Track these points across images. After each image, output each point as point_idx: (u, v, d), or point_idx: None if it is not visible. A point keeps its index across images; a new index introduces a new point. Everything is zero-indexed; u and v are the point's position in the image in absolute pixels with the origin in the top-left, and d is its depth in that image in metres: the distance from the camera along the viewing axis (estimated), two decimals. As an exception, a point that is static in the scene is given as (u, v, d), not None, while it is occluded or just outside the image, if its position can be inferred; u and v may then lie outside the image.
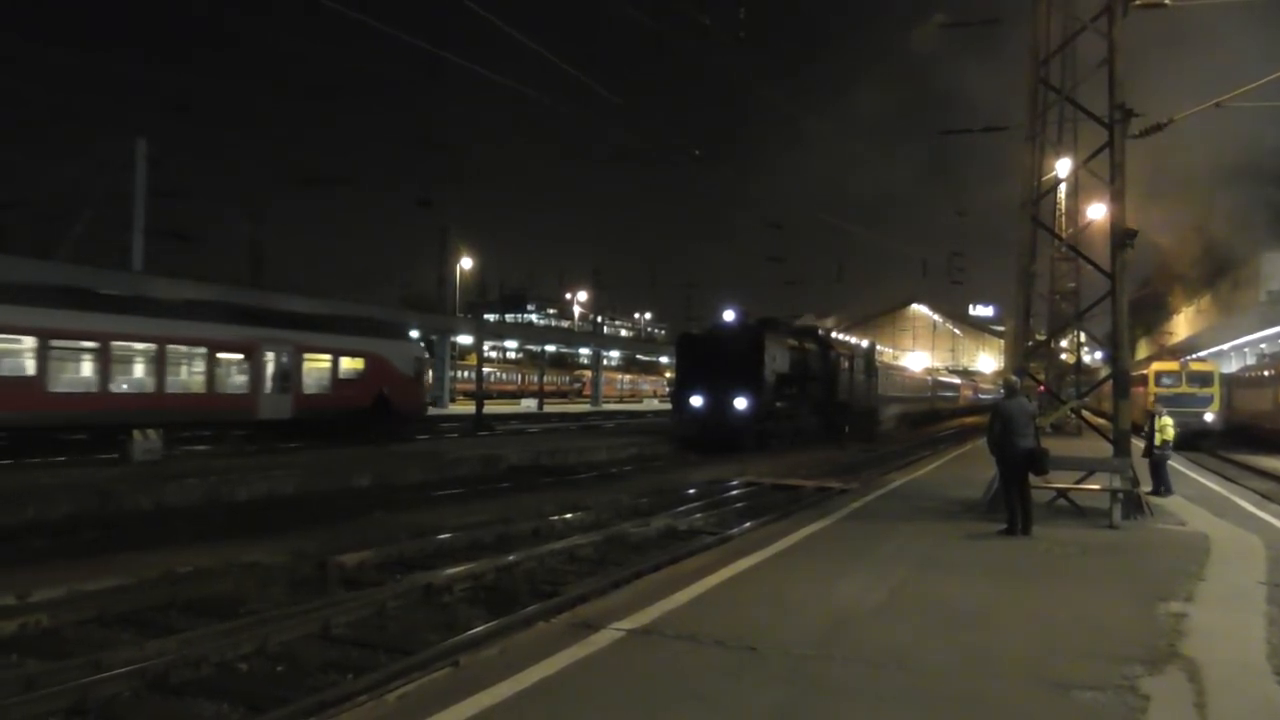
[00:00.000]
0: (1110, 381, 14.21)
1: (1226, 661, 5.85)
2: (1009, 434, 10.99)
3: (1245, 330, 44.67)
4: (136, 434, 19.05)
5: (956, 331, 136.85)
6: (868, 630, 6.48)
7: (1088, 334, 33.63)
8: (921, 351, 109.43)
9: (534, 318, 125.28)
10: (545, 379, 66.96)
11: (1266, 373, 34.70)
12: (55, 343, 20.18)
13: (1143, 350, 62.15)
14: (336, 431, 24.39)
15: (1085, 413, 19.76)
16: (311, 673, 6.74)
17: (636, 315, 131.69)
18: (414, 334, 38.46)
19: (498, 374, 70.08)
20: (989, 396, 72.71)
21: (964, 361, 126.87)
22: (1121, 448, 12.85)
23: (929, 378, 63.84)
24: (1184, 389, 33.34)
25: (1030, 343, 19.74)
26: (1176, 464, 18.23)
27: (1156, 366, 35.95)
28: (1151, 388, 32.38)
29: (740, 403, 26.45)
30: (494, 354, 79.46)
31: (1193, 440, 30.18)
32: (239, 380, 24.14)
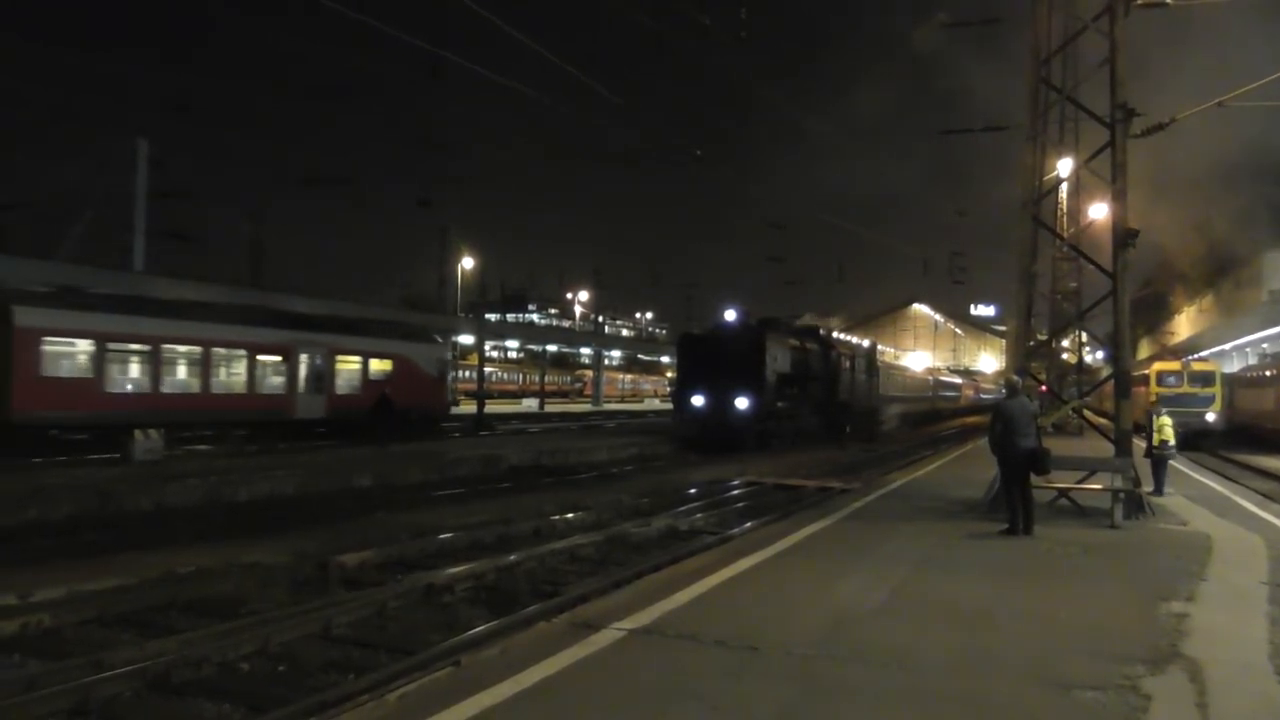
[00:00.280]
0: (1111, 381, 14.20)
1: (1228, 661, 5.84)
2: (1010, 434, 10.98)
3: (1247, 330, 44.61)
4: (138, 433, 19.08)
5: (958, 331, 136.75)
6: (869, 630, 6.47)
7: (1089, 334, 33.62)
8: (923, 351, 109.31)
9: (535, 317, 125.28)
10: (546, 379, 67.00)
11: (1268, 372, 34.67)
12: (111, 345, 21.46)
13: (1144, 350, 62.09)
14: (367, 430, 25.07)
15: (1087, 412, 19.74)
16: (313, 673, 6.74)
17: (637, 315, 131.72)
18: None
19: (499, 374, 70.07)
20: (990, 396, 72.71)
21: (965, 361, 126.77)
22: (1123, 448, 12.83)
23: (930, 377, 63.81)
24: (1185, 389, 33.30)
25: (1032, 342, 19.74)
26: (1178, 464, 18.21)
27: (1158, 366, 35.92)
28: (1153, 387, 32.34)
29: (741, 403, 26.44)
30: (495, 354, 79.48)
31: (1194, 440, 30.16)
32: (276, 381, 25.24)
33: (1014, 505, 10.84)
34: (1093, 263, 15.29)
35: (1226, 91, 12.85)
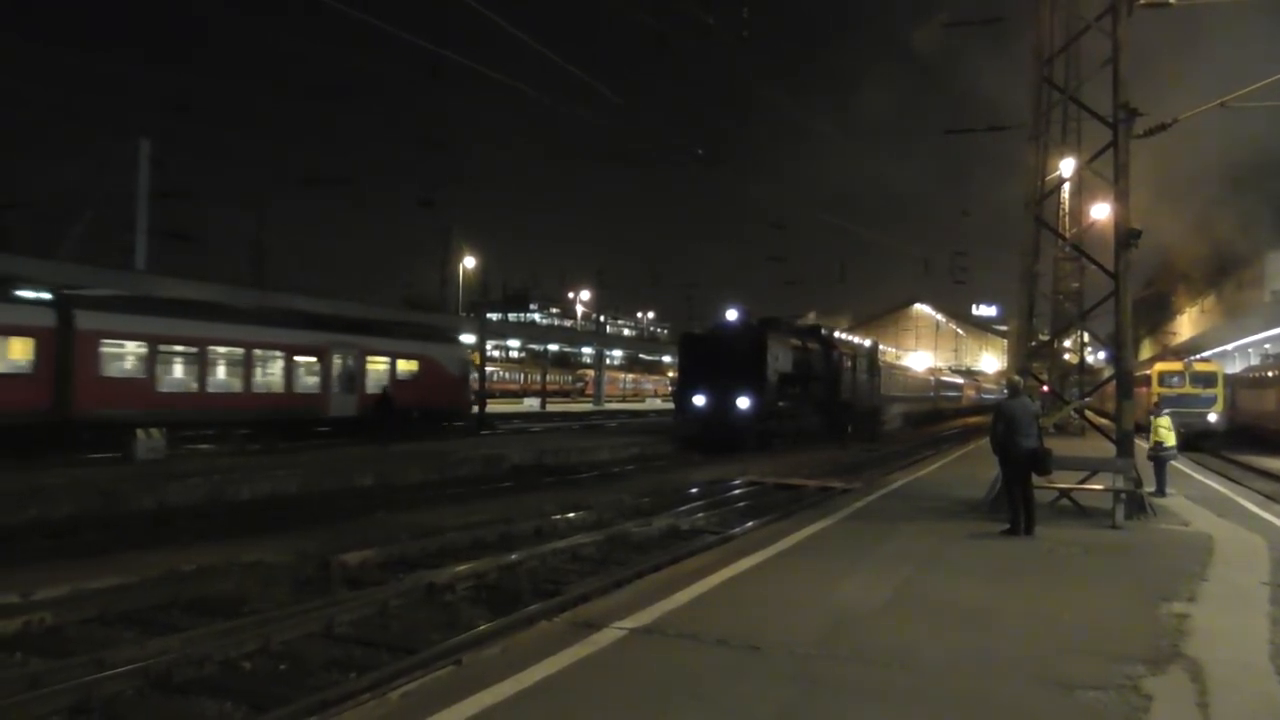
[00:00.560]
0: (1113, 382, 14.19)
1: (1229, 662, 5.84)
2: (1012, 434, 10.97)
3: (1249, 331, 44.62)
4: (140, 433, 19.12)
5: (959, 331, 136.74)
6: (870, 630, 6.47)
7: (1091, 334, 33.57)
8: (924, 351, 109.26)
9: (536, 317, 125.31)
10: (548, 378, 67.01)
11: (1270, 373, 34.64)
12: (162, 347, 22.77)
13: (1146, 350, 62.06)
14: (395, 428, 25.68)
15: (1088, 413, 19.73)
16: (314, 671, 6.75)
17: (639, 315, 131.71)
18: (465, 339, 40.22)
19: (501, 373, 70.09)
20: (992, 396, 72.68)
21: (967, 361, 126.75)
22: (1124, 448, 12.83)
23: (932, 377, 63.78)
24: (1187, 389, 33.27)
25: (1033, 343, 19.74)
26: (1179, 465, 18.19)
27: (1160, 367, 35.88)
28: (1155, 388, 32.32)
29: (743, 402, 26.43)
30: (497, 353, 79.46)
31: (1196, 441, 30.14)
32: (311, 381, 26.48)
33: (1015, 505, 10.83)
34: (1095, 263, 15.29)
35: (1238, 92, 12.84)
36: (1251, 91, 12.66)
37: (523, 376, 72.93)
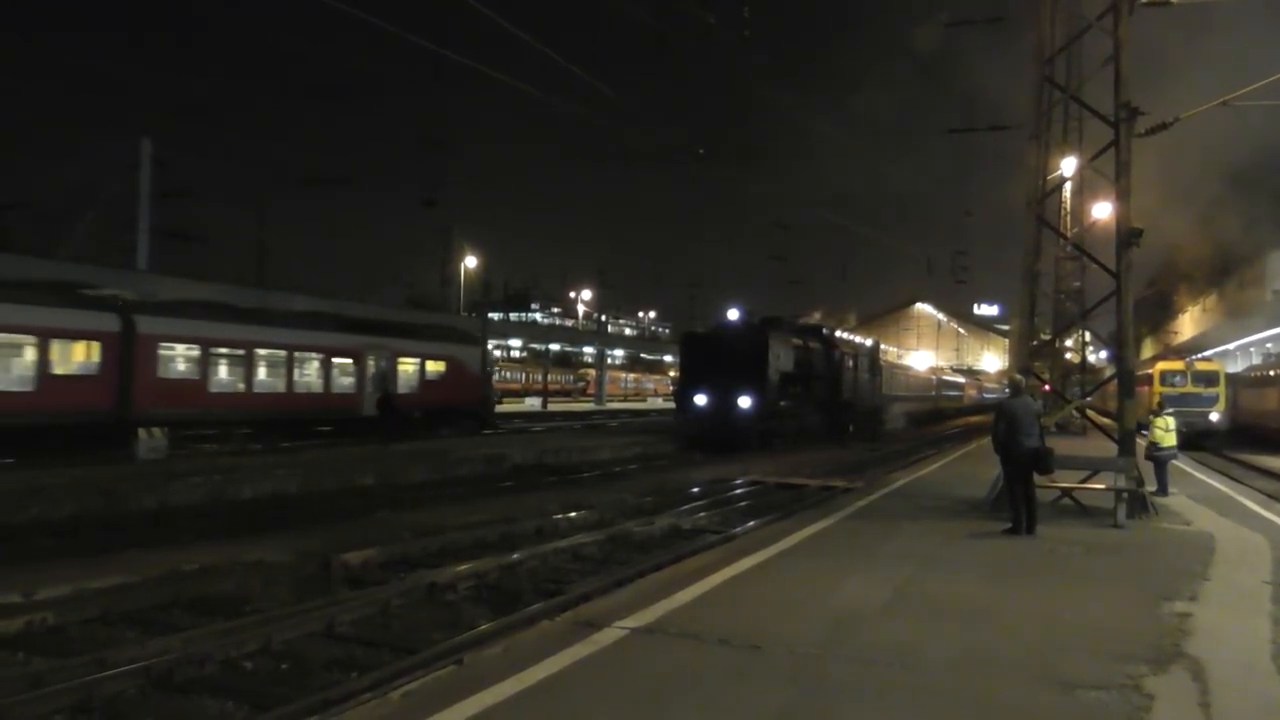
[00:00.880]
0: (1115, 381, 14.17)
1: (1231, 661, 5.83)
2: (1014, 433, 10.96)
3: (1251, 330, 44.57)
4: (142, 432, 19.13)
5: (961, 330, 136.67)
6: (872, 629, 6.47)
7: (1093, 333, 33.59)
8: (926, 350, 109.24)
9: (538, 317, 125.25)
10: (549, 378, 66.99)
11: (1272, 372, 34.61)
12: (214, 350, 24.13)
13: (1148, 349, 62.00)
14: (424, 426, 26.90)
15: (1090, 412, 19.70)
16: (316, 671, 6.75)
17: (640, 314, 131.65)
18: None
19: (502, 373, 70.06)
20: (993, 395, 72.62)
21: (968, 360, 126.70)
22: (1126, 447, 12.82)
23: (933, 377, 63.76)
24: (1189, 388, 33.26)
25: (1035, 342, 19.72)
26: (1181, 464, 18.16)
27: (1162, 366, 35.86)
28: (1156, 387, 32.29)
29: (744, 401, 26.42)
30: (498, 353, 79.49)
31: (1198, 440, 30.11)
32: (347, 382, 27.80)
33: (1017, 504, 10.83)
34: (1096, 262, 15.28)
35: (1239, 91, 12.82)
36: (1253, 90, 12.64)
37: (524, 376, 72.91)
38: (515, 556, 10.39)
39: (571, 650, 5.75)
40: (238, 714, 5.98)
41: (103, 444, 20.01)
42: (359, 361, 28.21)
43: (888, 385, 43.56)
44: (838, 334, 39.41)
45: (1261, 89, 12.56)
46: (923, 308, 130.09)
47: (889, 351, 65.48)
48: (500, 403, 37.89)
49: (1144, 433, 16.21)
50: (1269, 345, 45.78)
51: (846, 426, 33.77)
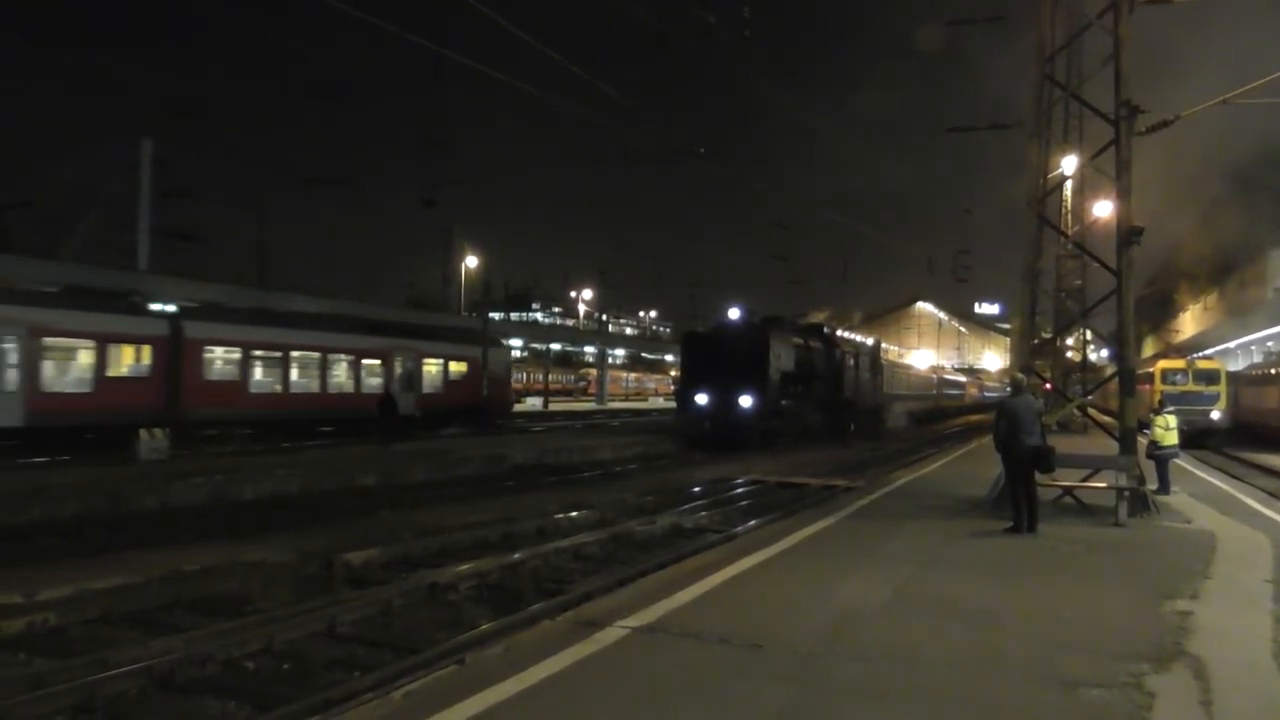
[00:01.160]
0: (1116, 379, 14.17)
1: (1233, 660, 5.83)
2: (1015, 431, 10.95)
3: (1252, 328, 44.53)
4: (143, 433, 19.13)
5: (962, 329, 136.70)
6: (873, 628, 6.47)
7: (1094, 331, 33.55)
8: (927, 349, 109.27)
9: (539, 316, 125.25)
10: (550, 377, 66.97)
11: (1273, 370, 34.58)
12: (253, 353, 25.32)
13: (1149, 348, 61.97)
14: (449, 424, 27.73)
15: (1091, 410, 19.67)
16: (317, 671, 6.76)
17: (641, 313, 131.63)
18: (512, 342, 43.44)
19: (504, 373, 69.92)
20: (994, 394, 72.59)
21: (969, 359, 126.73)
22: (1127, 445, 12.81)
23: (934, 375, 63.76)
24: (1190, 387, 33.23)
25: (1036, 340, 19.70)
26: (1182, 462, 18.15)
27: (1163, 364, 35.84)
28: (1158, 385, 32.28)
29: (745, 401, 26.42)
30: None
31: (1199, 438, 30.09)
32: (376, 382, 28.77)
33: (1018, 503, 10.82)
34: (1097, 260, 15.27)
35: (1240, 89, 12.80)
36: (1254, 88, 12.62)
37: (525, 376, 72.87)
38: (517, 556, 10.39)
39: (573, 650, 5.75)
40: (240, 714, 5.99)
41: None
42: (387, 362, 29.49)
43: (889, 384, 43.55)
44: (839, 333, 39.42)
45: (1262, 87, 12.55)
46: (924, 307, 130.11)
47: (890, 350, 65.53)
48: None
49: (1145, 431, 16.20)
50: (1270, 344, 45.74)
51: (848, 426, 33.75)
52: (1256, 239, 37.59)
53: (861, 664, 5.63)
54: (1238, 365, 46.33)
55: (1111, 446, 13.59)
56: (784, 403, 28.72)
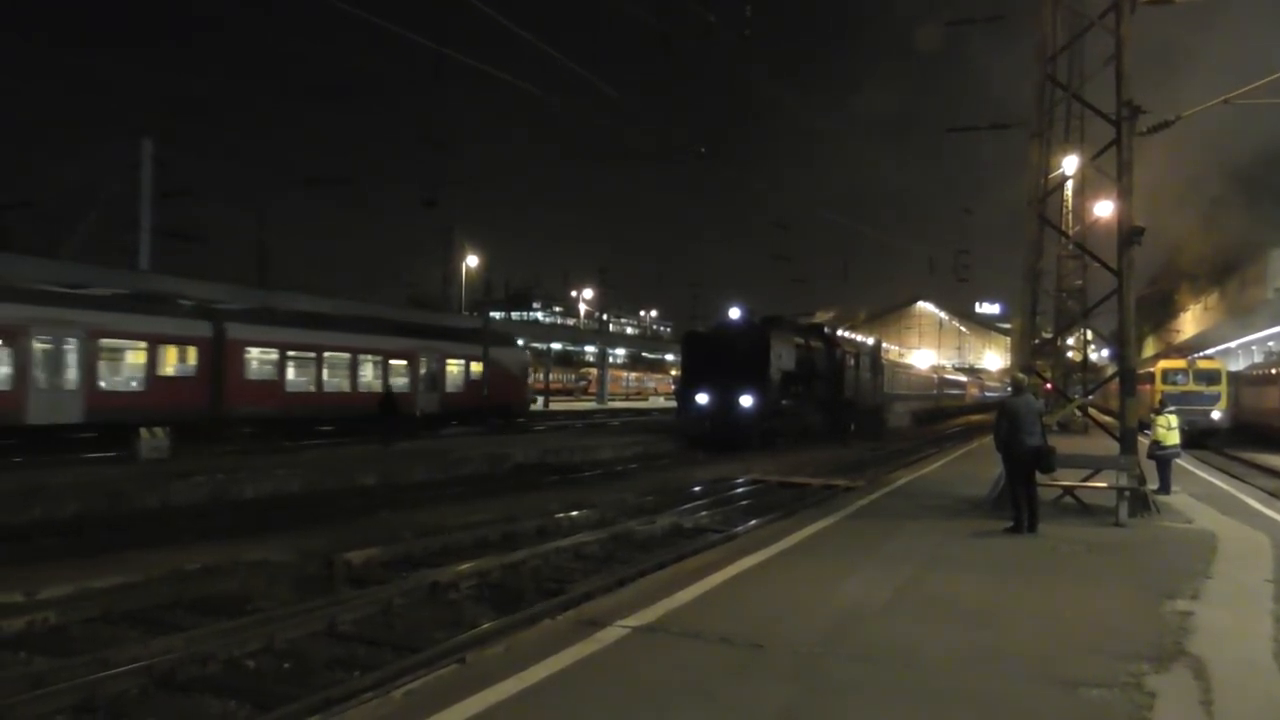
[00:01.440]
0: (1117, 379, 14.16)
1: (1233, 659, 5.83)
2: (1016, 431, 10.94)
3: (1253, 328, 44.52)
4: (144, 432, 19.14)
5: (962, 329, 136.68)
6: (874, 628, 6.47)
7: (1094, 331, 33.55)
8: (928, 349, 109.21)
9: (539, 316, 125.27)
10: (551, 377, 66.97)
11: (1274, 370, 34.57)
12: (290, 353, 26.58)
13: (1150, 348, 61.96)
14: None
15: (1092, 410, 19.67)
16: (318, 670, 6.76)
17: (642, 313, 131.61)
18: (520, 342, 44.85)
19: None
20: (995, 394, 72.58)
21: (970, 359, 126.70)
22: (1128, 445, 12.81)
23: (935, 375, 63.74)
24: (1191, 387, 33.22)
25: (1037, 340, 19.70)
26: (1183, 462, 18.13)
27: (1163, 364, 35.84)
28: (1158, 385, 32.27)
29: (746, 401, 26.41)
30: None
31: (1200, 438, 30.08)
32: (402, 382, 30.03)
33: (1019, 503, 10.82)
34: (1098, 260, 15.25)
35: (1241, 89, 12.79)
36: (1255, 88, 12.62)
37: (525, 375, 72.77)
38: (517, 555, 10.39)
39: (574, 649, 5.75)
40: (240, 713, 5.99)
41: (201, 439, 22.13)
42: (413, 363, 30.75)
43: (889, 384, 43.54)
44: (839, 333, 39.40)
45: (1263, 87, 12.54)
46: (924, 306, 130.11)
47: (891, 350, 65.49)
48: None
49: (1146, 431, 16.20)
50: (1271, 343, 45.74)
51: (848, 425, 33.74)
52: (1258, 239, 37.59)
53: (862, 664, 5.63)
54: (1238, 365, 46.31)
55: (1112, 446, 13.59)
56: (784, 402, 28.71)
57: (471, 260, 61.40)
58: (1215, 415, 33.00)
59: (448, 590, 8.97)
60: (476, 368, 33.68)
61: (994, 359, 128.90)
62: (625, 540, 12.11)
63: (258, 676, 6.67)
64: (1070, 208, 34.68)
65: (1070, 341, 38.70)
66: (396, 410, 25.91)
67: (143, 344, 22.73)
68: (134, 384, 22.60)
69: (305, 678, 6.58)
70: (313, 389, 27.34)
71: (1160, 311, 64.08)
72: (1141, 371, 30.75)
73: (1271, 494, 16.90)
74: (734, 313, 28.65)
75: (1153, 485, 13.65)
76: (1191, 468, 19.81)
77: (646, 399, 77.89)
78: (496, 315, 73.80)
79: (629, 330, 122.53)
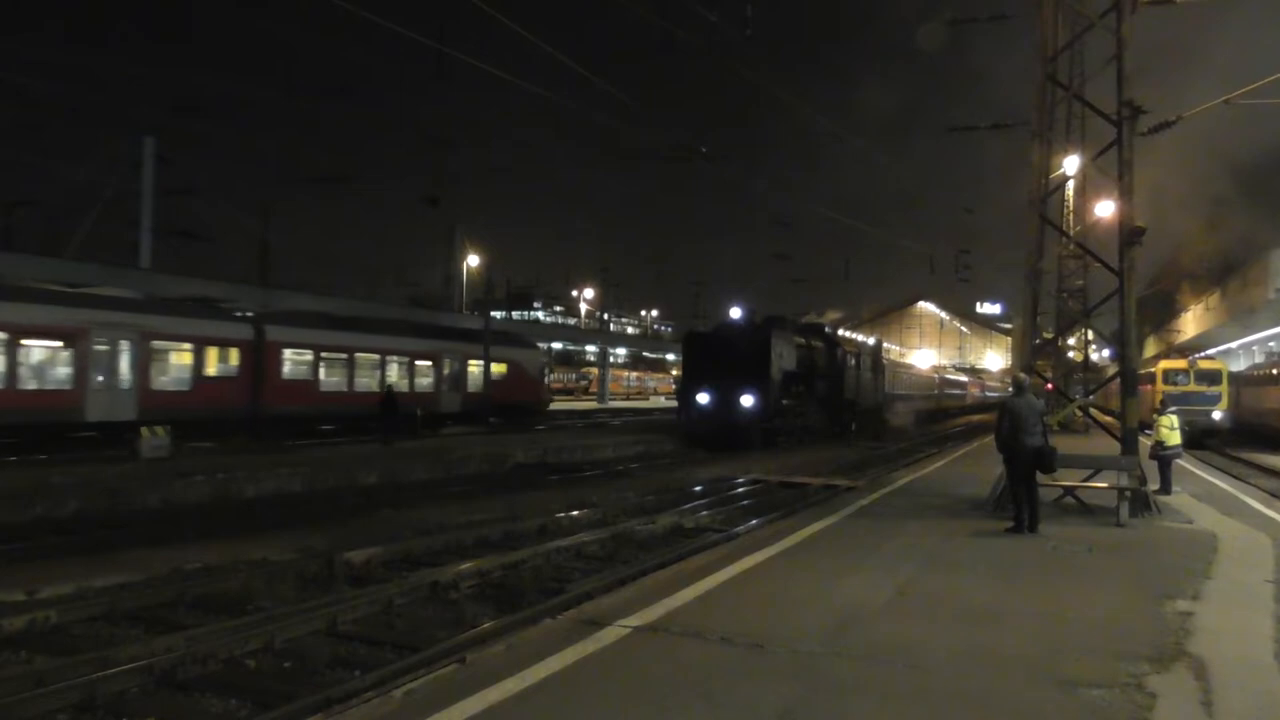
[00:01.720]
0: (1118, 379, 14.16)
1: (1234, 659, 5.83)
2: (1017, 432, 10.94)
3: (1254, 328, 44.47)
4: (145, 431, 19.15)
5: (963, 329, 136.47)
6: (875, 628, 6.47)
7: (1095, 331, 33.51)
8: (928, 349, 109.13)
9: (541, 315, 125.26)
10: (552, 376, 66.96)
11: (1275, 371, 34.55)
12: (324, 354, 27.70)
13: (1151, 348, 61.88)
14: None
15: (1093, 411, 19.66)
16: (319, 669, 6.77)
17: (643, 313, 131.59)
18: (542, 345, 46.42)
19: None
20: (996, 394, 72.55)
21: (971, 359, 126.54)
22: (1129, 446, 12.81)
23: (936, 375, 63.68)
24: (1192, 387, 33.21)
25: (1038, 340, 19.69)
26: (1184, 463, 18.13)
27: (1164, 364, 35.82)
28: (1159, 386, 32.25)
29: (747, 400, 26.41)
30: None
31: (1201, 438, 30.07)
32: (426, 382, 31.54)
33: (1019, 503, 10.82)
34: (1099, 260, 15.25)
35: (1242, 89, 12.79)
36: (1256, 88, 12.62)
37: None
38: (518, 555, 10.40)
39: (574, 649, 5.76)
40: (241, 712, 5.99)
41: (242, 436, 23.77)
42: (437, 363, 31.90)
43: (890, 384, 43.52)
44: (840, 333, 39.39)
45: (1264, 87, 12.54)
46: (925, 306, 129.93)
47: (891, 350, 65.50)
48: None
49: (1147, 432, 16.19)
50: (1272, 344, 45.69)
51: (849, 425, 33.74)
52: (1259, 239, 37.54)
53: (863, 663, 5.63)
54: (1239, 365, 46.27)
55: (1113, 447, 13.58)
56: (785, 402, 28.71)
57: (473, 259, 61.35)
58: (1216, 415, 32.99)
59: (448, 589, 8.98)
60: (497, 368, 34.64)
61: (995, 359, 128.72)
62: (626, 540, 12.11)
63: (258, 675, 6.68)
64: (1071, 208, 34.69)
65: (1071, 342, 38.71)
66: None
67: (189, 345, 23.68)
68: (181, 384, 23.46)
69: (306, 677, 6.58)
70: (344, 389, 28.31)
71: (1161, 312, 63.99)
72: (1143, 372, 30.76)
73: (1272, 494, 16.91)
74: (735, 312, 28.66)
75: (1153, 485, 13.65)
76: (1192, 468, 19.81)
77: (647, 399, 77.95)
78: (497, 315, 73.75)
79: (630, 330, 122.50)
